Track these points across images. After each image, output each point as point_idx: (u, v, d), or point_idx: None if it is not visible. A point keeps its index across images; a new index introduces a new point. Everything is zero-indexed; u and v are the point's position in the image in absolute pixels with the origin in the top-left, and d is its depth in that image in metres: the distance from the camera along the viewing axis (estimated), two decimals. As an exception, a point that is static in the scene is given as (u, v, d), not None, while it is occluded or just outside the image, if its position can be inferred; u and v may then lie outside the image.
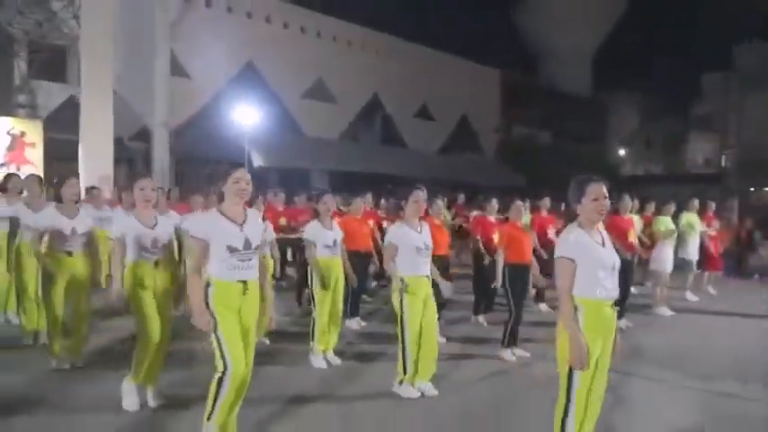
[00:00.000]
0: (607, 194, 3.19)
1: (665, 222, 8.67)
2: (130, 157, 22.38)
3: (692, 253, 9.41)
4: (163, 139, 20.85)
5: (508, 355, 5.88)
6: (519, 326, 5.93)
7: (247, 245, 3.49)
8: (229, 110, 20.94)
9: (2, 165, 15.16)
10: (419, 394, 4.61)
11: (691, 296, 9.58)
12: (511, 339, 5.93)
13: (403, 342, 4.61)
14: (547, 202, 8.83)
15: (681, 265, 9.34)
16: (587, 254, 3.11)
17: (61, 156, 18.56)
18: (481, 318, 7.46)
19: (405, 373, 4.63)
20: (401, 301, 4.61)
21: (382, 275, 8.52)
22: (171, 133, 20.94)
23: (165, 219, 4.54)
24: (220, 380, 3.39)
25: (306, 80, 25.32)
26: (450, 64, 31.76)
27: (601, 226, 3.29)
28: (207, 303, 3.41)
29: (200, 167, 21.11)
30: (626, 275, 6.31)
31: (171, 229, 4.55)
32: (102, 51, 15.81)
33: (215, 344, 3.41)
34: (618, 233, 6.77)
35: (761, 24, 45.67)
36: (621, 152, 49.55)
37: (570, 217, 3.32)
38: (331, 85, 26.43)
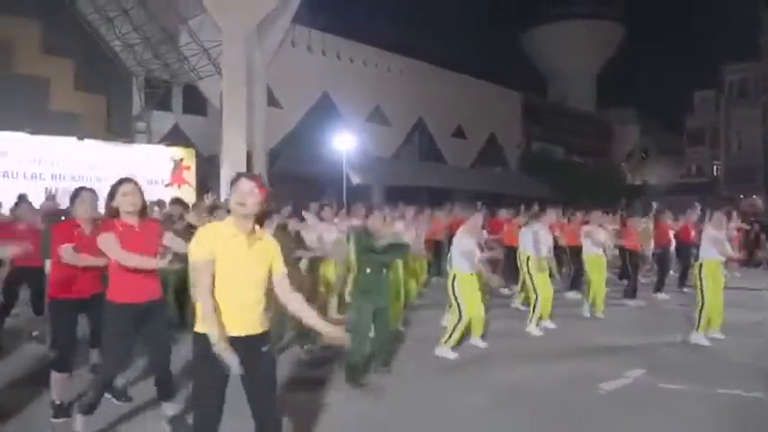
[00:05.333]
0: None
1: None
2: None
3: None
4: (261, 160, 24.71)
5: (635, 303, 9.98)
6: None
7: None
8: (315, 133, 24.95)
9: (168, 185, 19.06)
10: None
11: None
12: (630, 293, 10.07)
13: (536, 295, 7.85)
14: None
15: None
16: None
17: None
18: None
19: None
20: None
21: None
22: (267, 155, 24.84)
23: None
24: (458, 322, 6.18)
25: (367, 106, 29.43)
26: (480, 88, 36.12)
27: None
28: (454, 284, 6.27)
29: (291, 185, 25.00)
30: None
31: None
32: (239, 87, 19.80)
33: (454, 302, 6.26)
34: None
35: (744, 46, 50.06)
36: (622, 164, 54.02)
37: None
38: (386, 109, 30.57)
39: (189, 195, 18.01)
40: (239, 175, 2.91)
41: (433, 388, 5.19)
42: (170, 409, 3.99)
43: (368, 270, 5.35)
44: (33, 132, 15.78)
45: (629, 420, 4.45)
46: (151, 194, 15.35)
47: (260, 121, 24.79)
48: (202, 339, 2.73)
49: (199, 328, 2.80)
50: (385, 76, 30.39)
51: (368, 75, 29.29)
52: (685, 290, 11.23)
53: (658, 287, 10.99)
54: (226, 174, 19.53)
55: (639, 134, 54.50)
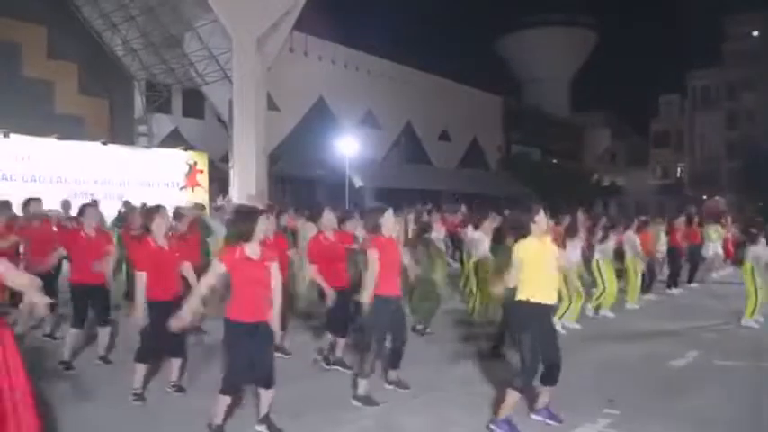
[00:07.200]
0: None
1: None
2: (222, 177, 26.72)
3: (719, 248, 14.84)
4: (262, 163, 25.29)
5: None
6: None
7: None
8: (312, 136, 25.69)
9: (183, 188, 19.59)
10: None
11: (715, 274, 15.01)
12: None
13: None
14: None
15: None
16: None
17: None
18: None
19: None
20: None
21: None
22: (268, 158, 25.42)
23: None
24: (602, 292, 8.27)
25: (360, 110, 30.32)
26: (464, 93, 37.36)
27: None
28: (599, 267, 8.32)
29: (291, 187, 25.71)
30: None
31: None
32: (248, 93, 20.41)
33: (600, 279, 8.33)
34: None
35: (707, 54, 52.52)
36: (594, 165, 55.99)
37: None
38: (377, 114, 31.52)
39: (202, 197, 18.73)
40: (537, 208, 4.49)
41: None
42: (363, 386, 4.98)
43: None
44: (62, 137, 16.16)
45: (702, 390, 5.43)
46: (167, 197, 16.09)
47: (260, 124, 25.39)
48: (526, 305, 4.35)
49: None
50: (377, 82, 31.30)
51: (361, 80, 30.17)
52: (692, 285, 12.50)
53: (671, 283, 12.14)
54: (234, 177, 20.23)
55: (610, 137, 56.67)
